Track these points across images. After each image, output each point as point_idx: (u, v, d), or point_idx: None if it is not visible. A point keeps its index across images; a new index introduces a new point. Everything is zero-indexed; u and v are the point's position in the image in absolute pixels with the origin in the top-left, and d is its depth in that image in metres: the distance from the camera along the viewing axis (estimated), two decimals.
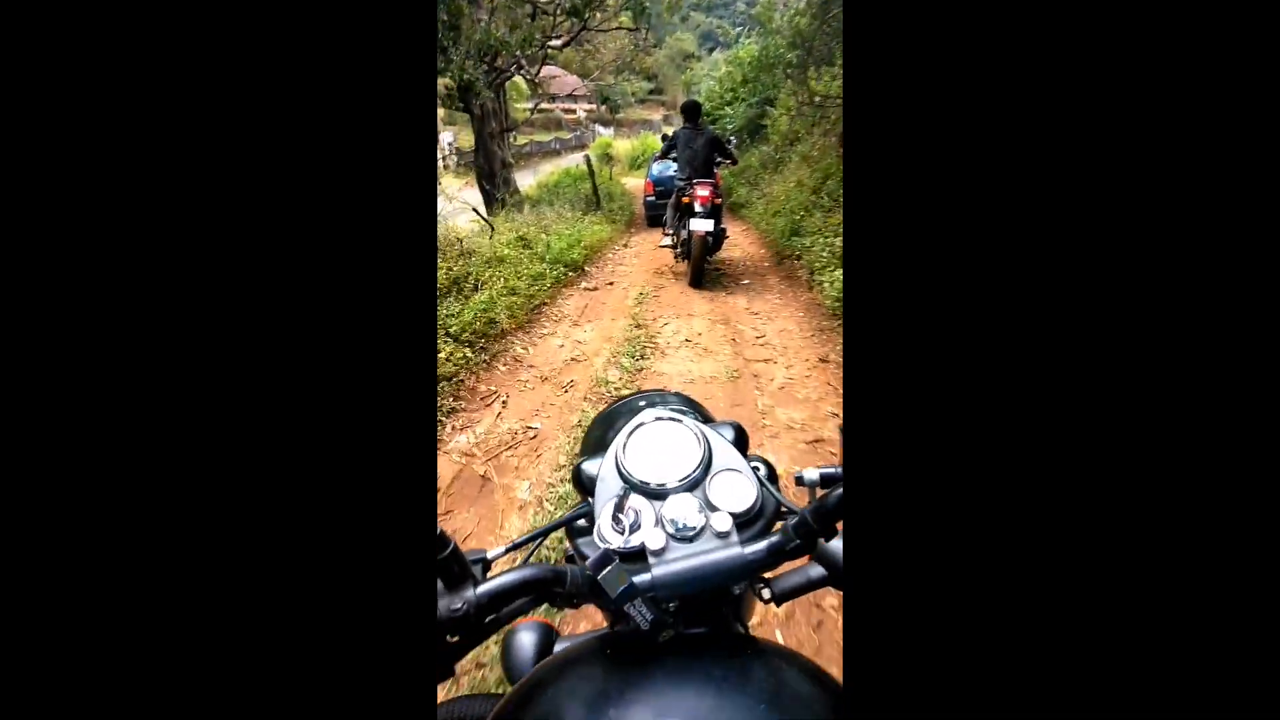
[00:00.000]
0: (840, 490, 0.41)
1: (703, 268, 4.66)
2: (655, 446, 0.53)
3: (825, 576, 0.45)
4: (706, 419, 0.68)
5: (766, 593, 0.49)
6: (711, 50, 25.27)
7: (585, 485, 0.55)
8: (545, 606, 0.43)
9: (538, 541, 0.59)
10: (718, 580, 0.43)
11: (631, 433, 0.54)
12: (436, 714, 0.59)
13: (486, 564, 0.47)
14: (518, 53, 9.33)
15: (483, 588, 0.38)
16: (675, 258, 5.14)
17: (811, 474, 0.51)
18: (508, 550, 0.54)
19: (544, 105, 39.75)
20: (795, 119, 7.97)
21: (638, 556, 0.45)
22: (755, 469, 0.51)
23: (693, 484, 0.49)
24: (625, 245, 7.65)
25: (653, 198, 8.19)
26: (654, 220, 8.21)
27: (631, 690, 0.37)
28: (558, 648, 0.50)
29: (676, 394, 0.78)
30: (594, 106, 42.15)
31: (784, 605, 0.61)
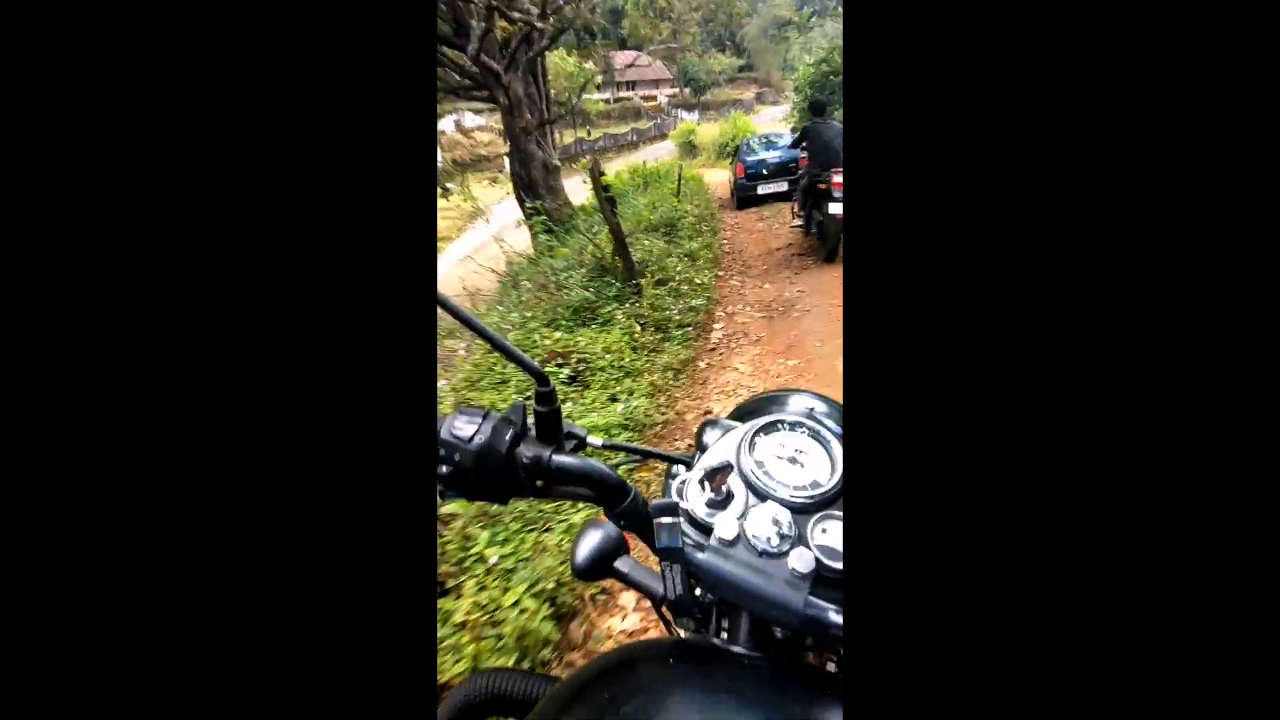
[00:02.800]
0: None
1: (839, 246, 5.01)
2: (789, 451, 0.48)
3: None
4: None
5: (833, 667, 0.46)
6: (811, 16, 20.28)
7: (702, 442, 0.54)
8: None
9: (633, 457, 0.60)
10: (762, 611, 0.39)
11: (774, 423, 0.50)
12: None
13: (581, 444, 0.47)
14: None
15: (559, 457, 0.41)
16: (804, 235, 5.66)
17: None
18: (605, 446, 0.53)
19: (621, 94, 36.44)
20: None
21: (708, 532, 0.42)
22: None
23: (800, 508, 0.43)
24: None
25: (743, 179, 8.58)
26: (744, 202, 8.58)
27: (690, 708, 0.34)
28: (620, 563, 0.44)
29: None
30: (676, 90, 38.19)
31: None
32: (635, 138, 29.84)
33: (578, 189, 10.51)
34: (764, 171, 8.46)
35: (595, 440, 0.51)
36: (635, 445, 0.60)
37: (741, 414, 0.62)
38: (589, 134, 29.70)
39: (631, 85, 38.05)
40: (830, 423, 0.52)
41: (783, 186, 8.15)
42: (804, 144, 5.24)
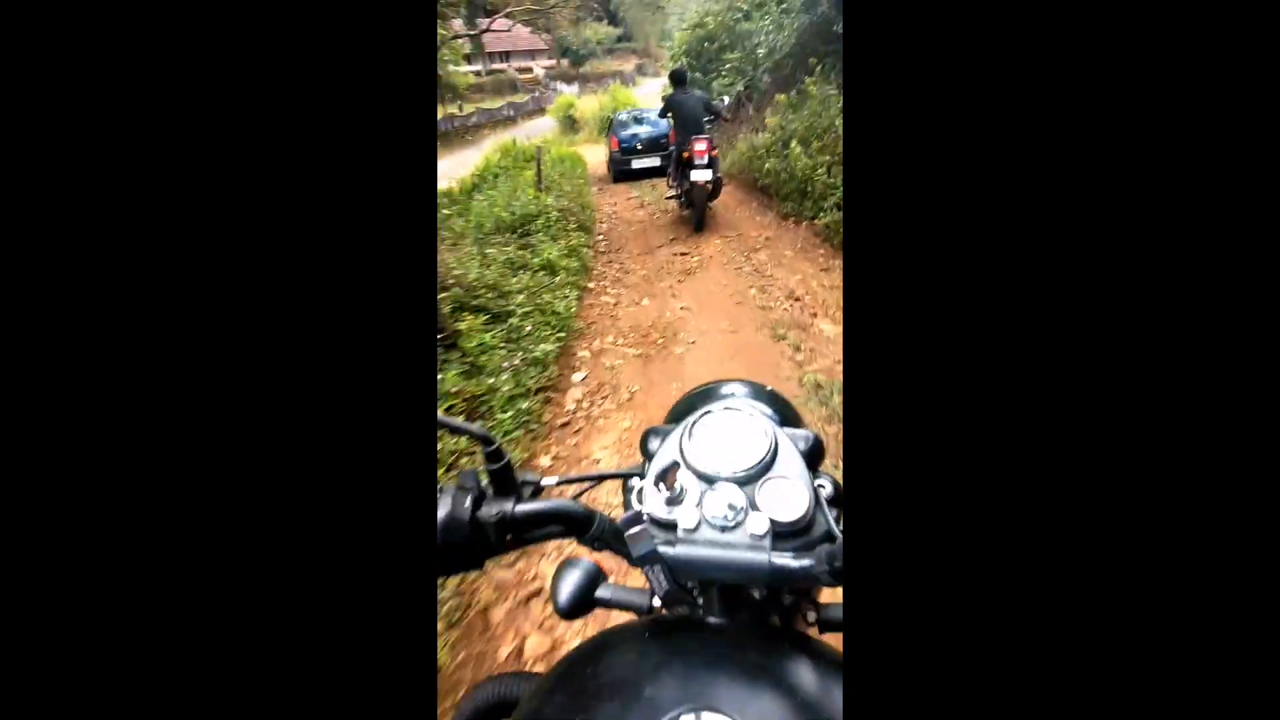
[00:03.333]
0: None
1: (704, 214, 5.26)
2: (722, 434, 0.52)
3: None
4: (789, 421, 0.65)
5: (812, 615, 0.50)
6: None
7: (647, 451, 0.57)
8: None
9: (589, 483, 0.62)
10: (736, 577, 0.43)
11: (704, 415, 0.54)
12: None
13: (538, 488, 0.49)
14: None
15: (521, 506, 0.42)
16: (679, 206, 5.74)
17: None
18: (560, 482, 0.56)
19: (494, 66, 34.01)
20: None
21: (672, 528, 0.46)
22: (819, 486, 0.49)
23: (743, 480, 0.48)
24: None
25: (618, 152, 8.62)
26: (620, 175, 8.64)
27: (665, 672, 0.37)
28: (601, 591, 0.48)
29: (771, 391, 0.74)
30: (554, 62, 36.24)
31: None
32: (512, 113, 27.88)
33: (454, 169, 9.07)
34: (637, 146, 8.53)
35: (550, 480, 0.52)
36: (588, 474, 0.61)
37: (676, 414, 0.66)
38: (460, 109, 27.43)
39: (505, 56, 35.61)
40: (754, 401, 0.62)
41: (655, 161, 8.27)
42: (669, 115, 5.24)
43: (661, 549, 0.42)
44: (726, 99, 7.74)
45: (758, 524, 0.43)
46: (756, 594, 0.47)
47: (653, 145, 8.36)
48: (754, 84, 8.48)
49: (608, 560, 0.48)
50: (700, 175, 4.80)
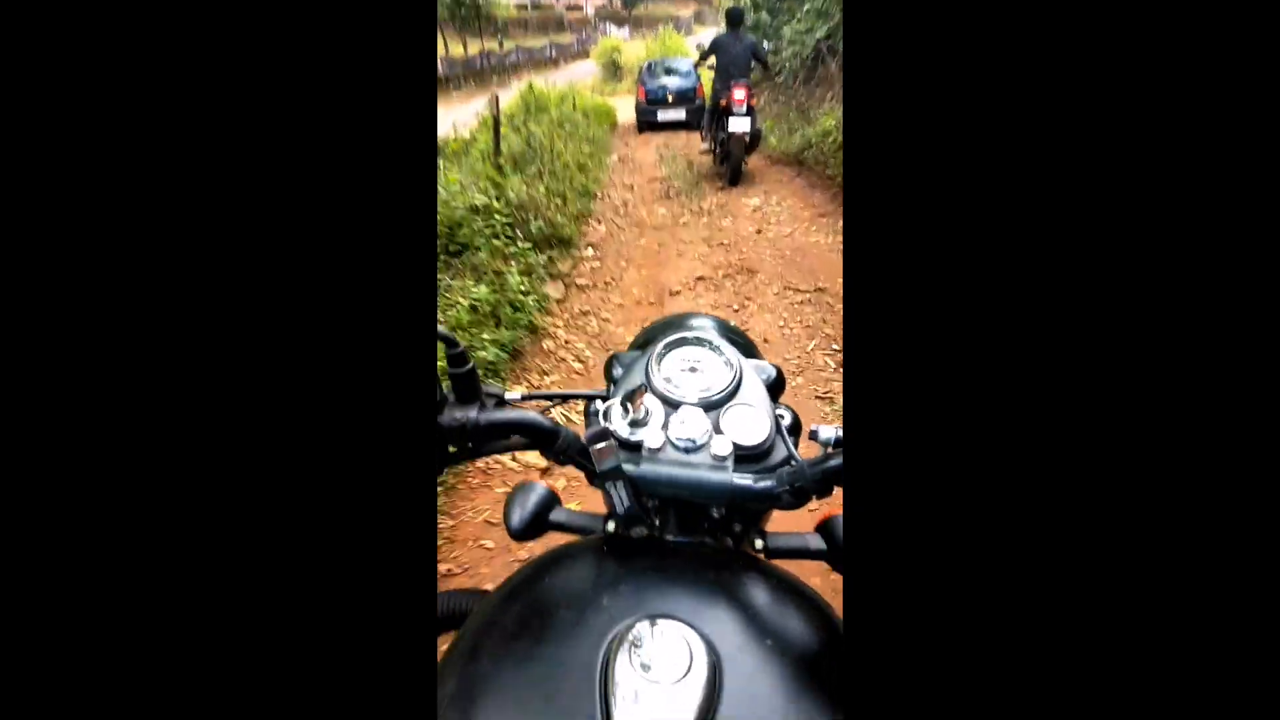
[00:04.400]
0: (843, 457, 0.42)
1: (741, 167, 4.97)
2: (688, 362, 0.55)
3: (823, 550, 0.49)
4: (750, 354, 0.66)
5: (760, 543, 0.51)
6: None
7: (611, 375, 0.60)
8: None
9: (554, 400, 0.62)
10: (698, 495, 0.45)
11: (672, 344, 0.56)
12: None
13: (501, 400, 0.48)
14: None
15: (485, 414, 0.41)
16: (714, 160, 5.45)
17: (827, 432, 0.48)
18: (525, 398, 0.56)
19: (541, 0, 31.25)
20: None
21: (636, 449, 0.47)
22: (779, 416, 0.50)
23: (709, 405, 0.49)
24: None
25: (644, 102, 8.50)
26: (644, 126, 8.55)
27: (622, 584, 0.38)
28: (554, 515, 0.51)
29: (732, 325, 0.78)
30: (605, 1, 33.25)
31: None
32: (554, 53, 25.38)
33: (468, 118, 7.11)
34: (666, 97, 8.34)
35: (514, 394, 0.52)
36: (552, 391, 0.60)
37: (641, 343, 0.69)
38: (500, 45, 25.14)
39: None
40: (719, 334, 0.62)
41: (681, 115, 8.18)
42: (709, 56, 5.05)
43: (626, 466, 0.43)
44: (766, 48, 6.30)
45: (721, 446, 0.45)
46: (716, 513, 0.49)
47: (680, 98, 8.21)
48: (840, 31, 6.21)
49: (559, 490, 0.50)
50: (739, 125, 4.52)
